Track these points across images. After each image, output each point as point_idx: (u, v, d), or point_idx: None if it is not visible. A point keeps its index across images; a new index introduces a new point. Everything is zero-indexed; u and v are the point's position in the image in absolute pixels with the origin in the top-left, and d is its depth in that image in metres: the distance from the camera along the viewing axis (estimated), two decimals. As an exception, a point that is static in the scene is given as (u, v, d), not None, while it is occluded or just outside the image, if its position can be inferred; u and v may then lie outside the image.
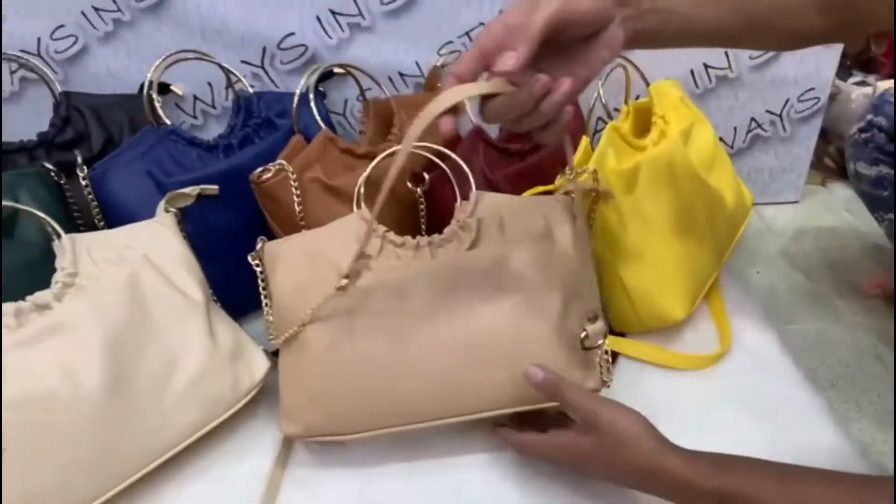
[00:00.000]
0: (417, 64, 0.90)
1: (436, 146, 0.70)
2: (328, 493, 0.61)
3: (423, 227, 0.77)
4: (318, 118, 0.78)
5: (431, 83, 0.90)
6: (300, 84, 0.78)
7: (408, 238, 0.62)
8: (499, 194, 0.65)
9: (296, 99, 0.76)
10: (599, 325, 0.63)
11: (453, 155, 0.68)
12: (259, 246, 0.62)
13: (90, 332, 0.56)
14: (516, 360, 0.57)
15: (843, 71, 1.19)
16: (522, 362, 0.57)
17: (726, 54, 0.95)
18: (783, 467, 0.48)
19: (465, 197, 0.64)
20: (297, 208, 0.68)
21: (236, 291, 0.74)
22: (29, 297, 0.57)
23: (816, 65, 0.98)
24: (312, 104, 0.78)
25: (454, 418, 0.59)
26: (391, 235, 0.62)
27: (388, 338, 0.58)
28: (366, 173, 0.66)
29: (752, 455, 0.52)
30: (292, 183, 0.68)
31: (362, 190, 0.66)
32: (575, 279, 0.62)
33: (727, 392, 0.72)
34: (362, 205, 0.66)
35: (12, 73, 0.84)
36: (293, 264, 0.61)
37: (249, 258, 0.61)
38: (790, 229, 1.05)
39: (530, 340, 0.59)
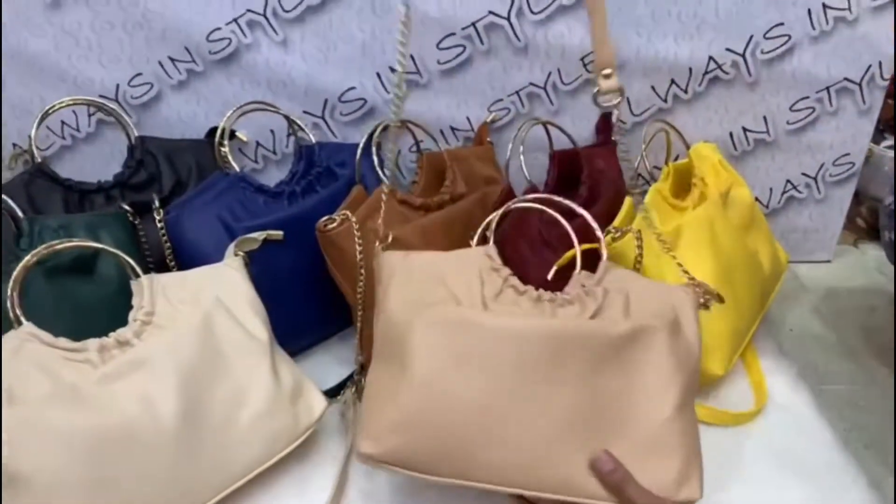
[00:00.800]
0: (468, 119, 0.95)
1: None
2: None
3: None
4: (378, 169, 0.82)
5: (481, 137, 0.94)
6: (363, 138, 0.83)
7: (530, 287, 0.61)
8: (629, 271, 0.65)
9: (359, 151, 0.81)
10: None
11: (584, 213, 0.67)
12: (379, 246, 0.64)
13: (167, 367, 0.59)
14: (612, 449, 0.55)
15: (877, 134, 1.22)
16: (619, 454, 0.55)
17: (764, 119, 0.99)
18: None
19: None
20: (359, 256, 0.72)
21: (293, 330, 0.78)
22: (112, 334, 0.61)
23: (852, 132, 1.01)
24: (374, 156, 0.82)
25: (525, 490, 0.56)
26: (514, 280, 0.61)
27: (496, 386, 0.54)
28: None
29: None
30: (355, 232, 0.72)
31: (493, 225, 0.66)
32: (693, 379, 0.60)
33: (762, 449, 0.74)
34: (490, 240, 0.65)
35: (90, 115, 0.89)
36: (410, 281, 0.60)
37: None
38: (822, 288, 1.07)
39: (638, 430, 0.56)
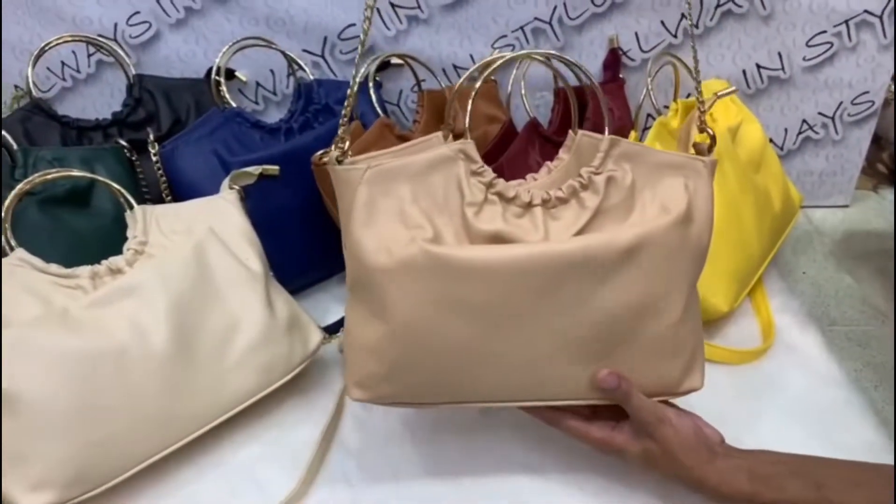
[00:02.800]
0: (471, 56, 0.92)
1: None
2: (375, 462, 0.63)
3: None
4: (375, 105, 0.81)
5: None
6: (359, 73, 0.81)
7: (519, 190, 0.53)
8: (637, 144, 0.55)
9: (354, 86, 0.79)
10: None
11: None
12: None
13: (158, 294, 0.59)
14: (616, 363, 0.54)
15: (900, 76, 1.17)
16: (619, 363, 0.53)
17: (779, 55, 0.95)
18: (824, 477, 0.50)
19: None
20: (354, 189, 0.71)
21: (293, 266, 0.78)
22: (104, 262, 0.61)
23: (872, 69, 0.97)
24: (371, 92, 0.81)
25: (527, 402, 0.55)
26: (499, 184, 0.53)
27: (483, 324, 0.51)
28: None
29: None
30: (350, 165, 0.71)
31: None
32: (700, 265, 0.55)
33: (769, 389, 0.73)
34: (468, 136, 0.56)
35: (90, 55, 0.88)
36: (375, 214, 0.52)
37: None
38: (839, 232, 1.04)
39: (645, 337, 0.53)
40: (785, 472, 0.51)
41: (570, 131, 0.57)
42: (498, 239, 0.52)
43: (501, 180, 0.54)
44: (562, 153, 0.58)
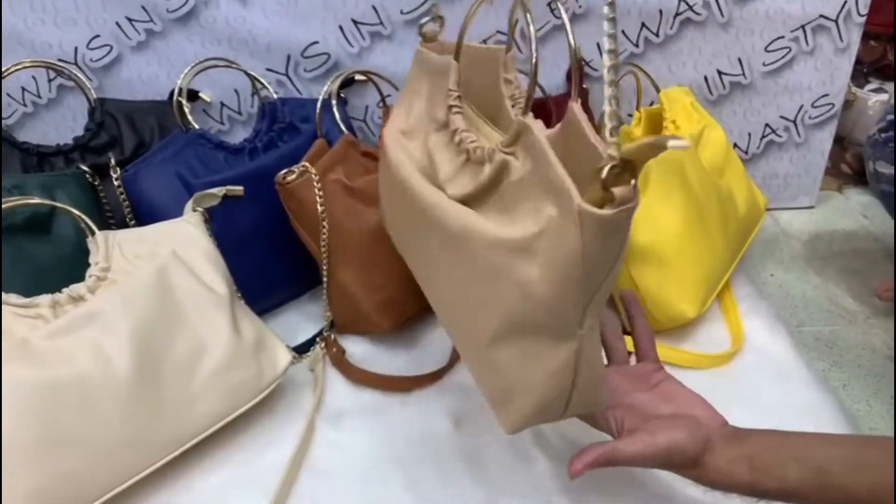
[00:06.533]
0: (436, 71, 0.93)
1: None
2: (346, 483, 0.63)
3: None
4: (339, 123, 0.81)
5: (449, 90, 0.92)
6: (323, 90, 0.81)
7: (461, 132, 0.53)
8: (544, 143, 0.44)
9: (319, 104, 0.79)
10: None
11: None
12: None
13: (121, 321, 0.59)
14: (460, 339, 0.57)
15: (860, 78, 1.19)
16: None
17: (739, 61, 0.97)
18: (826, 461, 0.48)
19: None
20: (320, 208, 0.71)
21: (260, 287, 0.77)
22: (65, 289, 0.60)
23: (830, 71, 0.99)
24: (335, 109, 0.81)
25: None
26: (452, 115, 0.55)
27: (406, 220, 0.61)
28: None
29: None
30: (315, 184, 0.71)
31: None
32: (530, 316, 0.46)
33: (738, 391, 0.73)
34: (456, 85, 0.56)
35: (50, 80, 0.88)
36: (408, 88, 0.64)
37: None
38: (805, 233, 1.06)
39: (469, 331, 0.53)
40: (786, 458, 0.49)
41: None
42: (427, 157, 0.57)
43: (458, 112, 0.55)
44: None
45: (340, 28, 0.88)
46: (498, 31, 0.91)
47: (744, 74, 0.98)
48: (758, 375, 0.76)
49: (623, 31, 0.93)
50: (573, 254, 0.40)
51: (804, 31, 0.95)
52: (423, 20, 0.63)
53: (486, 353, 0.49)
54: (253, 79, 0.88)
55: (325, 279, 0.76)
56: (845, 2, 0.93)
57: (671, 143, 0.32)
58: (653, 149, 0.35)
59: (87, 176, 0.74)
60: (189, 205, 0.70)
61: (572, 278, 0.41)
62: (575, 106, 0.43)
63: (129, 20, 0.85)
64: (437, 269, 0.55)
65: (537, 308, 0.44)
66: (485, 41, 0.91)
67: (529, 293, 0.44)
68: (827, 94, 1.00)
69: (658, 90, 0.88)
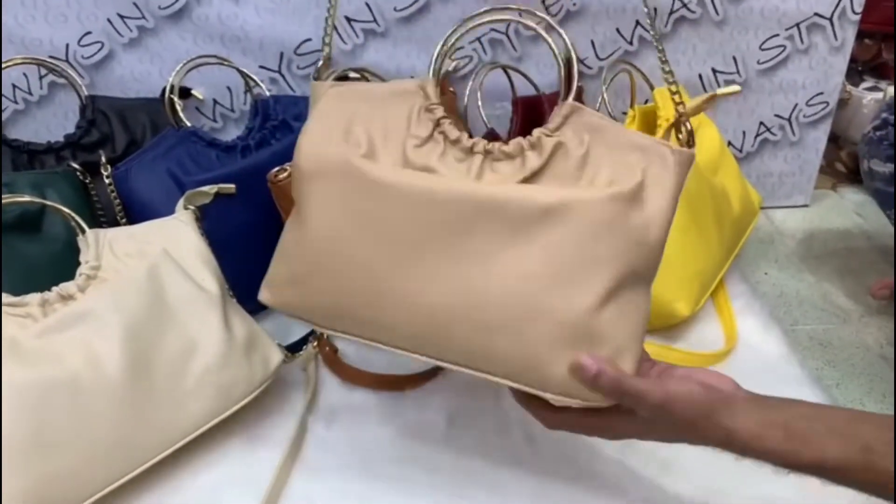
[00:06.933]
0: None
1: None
2: (338, 483, 0.62)
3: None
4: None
5: (443, 87, 0.92)
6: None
7: (464, 135, 0.51)
8: (602, 116, 0.51)
9: (311, 102, 0.79)
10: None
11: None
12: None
13: (112, 320, 0.58)
14: (523, 336, 0.48)
15: (855, 76, 1.19)
16: (529, 340, 0.48)
17: (734, 59, 0.97)
18: (871, 440, 0.44)
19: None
20: (311, 206, 0.70)
21: (251, 286, 0.76)
22: (55, 288, 0.60)
23: (825, 70, 0.99)
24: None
25: (431, 359, 0.51)
26: (446, 125, 0.52)
27: (391, 251, 0.49)
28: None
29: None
30: (306, 181, 0.70)
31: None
32: (645, 261, 0.49)
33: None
34: (434, 81, 0.54)
35: (41, 77, 0.87)
36: (325, 119, 0.54)
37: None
38: (799, 232, 1.06)
39: (546, 318, 0.47)
40: (824, 431, 0.45)
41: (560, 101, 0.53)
42: (424, 170, 0.51)
43: (449, 121, 0.52)
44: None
45: (334, 25, 0.88)
46: (493, 29, 0.91)
47: (738, 72, 0.98)
48: (751, 374, 0.74)
49: (617, 29, 0.93)
50: (671, 193, 0.49)
51: (799, 30, 0.95)
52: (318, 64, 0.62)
53: (589, 323, 0.47)
54: (246, 76, 0.87)
55: (317, 278, 0.75)
56: (840, 0, 0.93)
57: (721, 90, 0.42)
58: (707, 103, 0.52)
59: (78, 174, 0.74)
60: (181, 203, 0.69)
61: (670, 218, 0.49)
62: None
63: (121, 17, 0.85)
64: (491, 267, 0.48)
65: (651, 253, 0.49)
66: (479, 39, 0.91)
67: (648, 242, 0.48)
68: (821, 93, 1.00)
69: (652, 88, 0.88)
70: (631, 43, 0.94)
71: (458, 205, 0.48)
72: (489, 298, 0.48)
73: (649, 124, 0.87)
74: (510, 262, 0.48)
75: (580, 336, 0.48)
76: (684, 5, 0.92)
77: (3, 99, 0.87)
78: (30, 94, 0.88)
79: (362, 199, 0.50)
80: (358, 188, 0.50)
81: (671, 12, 0.92)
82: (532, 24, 0.55)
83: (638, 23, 0.93)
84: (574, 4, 0.90)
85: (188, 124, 0.80)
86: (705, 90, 0.99)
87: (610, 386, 0.47)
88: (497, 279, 0.48)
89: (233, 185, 0.71)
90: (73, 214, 0.65)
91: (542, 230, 0.47)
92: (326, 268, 0.52)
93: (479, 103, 0.89)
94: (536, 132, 0.50)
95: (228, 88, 0.91)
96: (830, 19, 0.94)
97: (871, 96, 1.17)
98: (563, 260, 0.47)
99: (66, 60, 0.86)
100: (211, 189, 0.70)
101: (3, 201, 0.63)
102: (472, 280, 0.48)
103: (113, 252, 0.64)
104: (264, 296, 0.56)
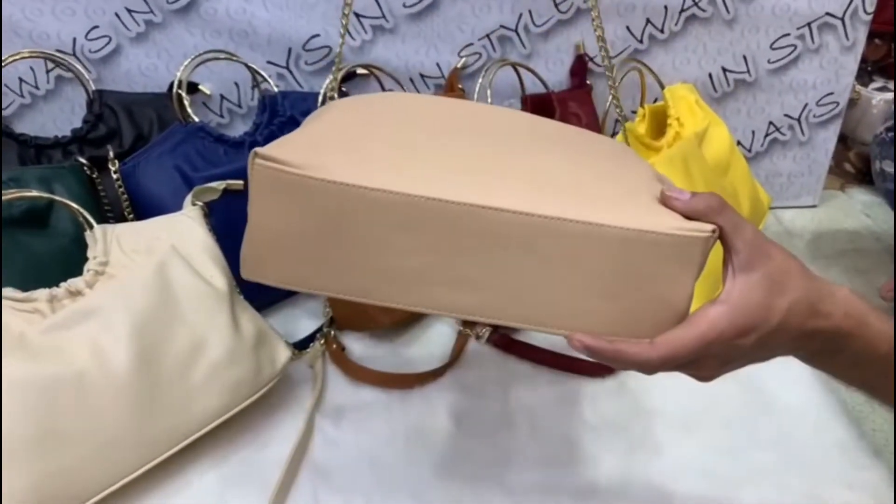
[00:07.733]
0: (438, 65, 0.92)
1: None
2: (345, 481, 0.62)
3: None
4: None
5: (451, 84, 0.91)
6: (324, 84, 0.80)
7: None
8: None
9: (320, 98, 0.78)
10: None
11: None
12: None
13: (119, 316, 0.58)
14: None
15: (865, 76, 1.19)
16: None
17: (744, 58, 0.96)
18: None
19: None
20: (320, 203, 0.70)
21: (259, 284, 0.76)
22: (63, 284, 0.59)
23: (836, 70, 0.98)
24: (336, 103, 0.80)
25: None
26: None
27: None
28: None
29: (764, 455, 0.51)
30: (315, 178, 0.70)
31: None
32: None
33: (740, 389, 0.73)
34: None
35: (48, 71, 0.87)
36: None
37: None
38: (808, 232, 1.05)
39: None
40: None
41: None
42: None
43: None
44: None
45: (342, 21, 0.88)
46: (502, 26, 0.91)
47: (748, 72, 0.97)
48: (759, 374, 0.75)
49: (628, 28, 0.92)
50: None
51: (810, 29, 0.94)
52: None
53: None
54: (253, 71, 0.87)
55: (325, 275, 0.75)
56: (852, 0, 0.92)
57: None
58: None
59: (86, 169, 0.73)
60: (188, 199, 0.69)
61: None
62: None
63: (129, 11, 0.84)
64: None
65: None
66: (488, 35, 0.91)
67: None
68: (832, 93, 1.00)
69: (662, 87, 0.87)
70: (641, 41, 0.94)
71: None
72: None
73: (660, 122, 0.86)
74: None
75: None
76: (695, 3, 0.91)
77: (9, 93, 0.86)
78: (36, 88, 0.87)
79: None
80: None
81: (682, 10, 0.91)
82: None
83: (648, 21, 0.92)
84: (584, 2, 0.90)
85: (195, 119, 0.80)
86: (715, 89, 0.98)
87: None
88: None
89: (241, 182, 0.71)
90: (81, 209, 0.64)
91: None
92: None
93: (489, 101, 0.89)
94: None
95: (236, 84, 0.90)
96: (842, 19, 0.94)
97: (880, 97, 1.16)
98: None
99: (74, 54, 0.85)
100: (219, 185, 0.70)
101: (12, 196, 0.63)
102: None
103: (121, 248, 0.63)
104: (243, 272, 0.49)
